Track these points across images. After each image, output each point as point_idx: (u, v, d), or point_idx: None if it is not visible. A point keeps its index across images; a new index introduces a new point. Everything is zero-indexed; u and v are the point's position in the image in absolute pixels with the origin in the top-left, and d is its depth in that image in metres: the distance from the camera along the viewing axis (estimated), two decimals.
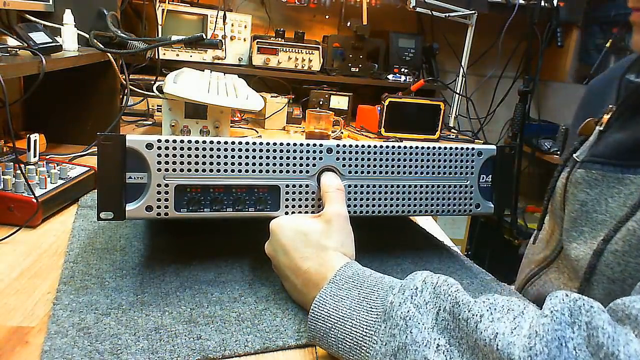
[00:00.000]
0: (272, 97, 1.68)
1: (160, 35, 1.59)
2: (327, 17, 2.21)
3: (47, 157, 0.91)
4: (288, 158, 0.56)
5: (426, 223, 0.84)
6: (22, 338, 0.45)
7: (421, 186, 0.61)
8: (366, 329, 0.42)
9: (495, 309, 0.38)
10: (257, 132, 1.58)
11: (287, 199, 0.57)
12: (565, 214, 0.67)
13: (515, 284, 0.81)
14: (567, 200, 0.67)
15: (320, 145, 0.57)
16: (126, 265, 0.58)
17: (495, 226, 2.26)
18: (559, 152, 2.20)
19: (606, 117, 0.65)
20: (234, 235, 0.69)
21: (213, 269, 0.59)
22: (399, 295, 0.42)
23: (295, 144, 0.56)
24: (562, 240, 0.68)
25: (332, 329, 0.44)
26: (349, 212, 0.56)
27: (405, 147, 0.61)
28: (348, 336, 0.43)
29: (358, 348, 0.42)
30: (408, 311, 0.40)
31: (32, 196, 0.67)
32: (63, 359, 0.41)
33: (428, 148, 0.61)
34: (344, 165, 0.58)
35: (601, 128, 0.65)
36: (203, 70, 1.40)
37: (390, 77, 2.06)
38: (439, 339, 0.38)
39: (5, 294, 0.52)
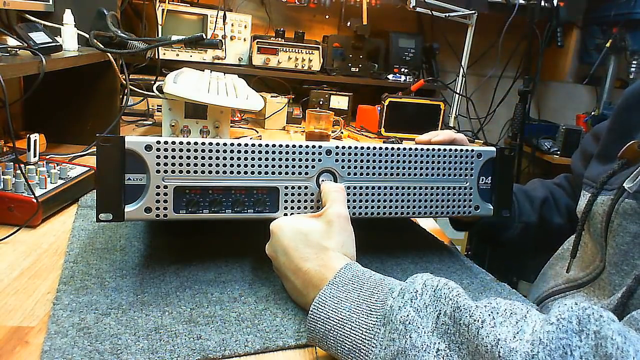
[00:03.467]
0: (272, 97, 1.68)
1: (160, 35, 1.59)
2: (327, 17, 2.21)
3: (47, 157, 0.91)
4: (287, 160, 0.56)
5: (426, 223, 0.84)
6: (22, 338, 0.45)
7: (420, 188, 0.61)
8: (365, 332, 0.42)
9: (497, 312, 0.37)
10: (257, 132, 1.58)
11: (286, 201, 0.57)
12: (611, 246, 0.62)
13: (533, 292, 0.78)
14: (614, 231, 0.61)
15: (320, 147, 0.57)
16: (126, 265, 0.58)
17: None
18: (558, 152, 2.20)
19: None
20: (234, 236, 0.69)
21: (213, 269, 0.59)
22: (399, 299, 0.42)
23: (294, 146, 0.57)
24: (604, 269, 0.63)
25: (331, 331, 0.44)
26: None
27: (404, 149, 0.61)
28: (347, 339, 0.43)
29: (357, 351, 0.42)
30: (407, 315, 0.40)
31: (32, 196, 0.67)
32: (63, 359, 0.41)
33: (428, 149, 0.61)
34: (343, 167, 0.58)
35: None
36: (203, 70, 1.40)
37: (390, 77, 2.06)
38: (438, 343, 0.38)
39: (5, 294, 0.52)
